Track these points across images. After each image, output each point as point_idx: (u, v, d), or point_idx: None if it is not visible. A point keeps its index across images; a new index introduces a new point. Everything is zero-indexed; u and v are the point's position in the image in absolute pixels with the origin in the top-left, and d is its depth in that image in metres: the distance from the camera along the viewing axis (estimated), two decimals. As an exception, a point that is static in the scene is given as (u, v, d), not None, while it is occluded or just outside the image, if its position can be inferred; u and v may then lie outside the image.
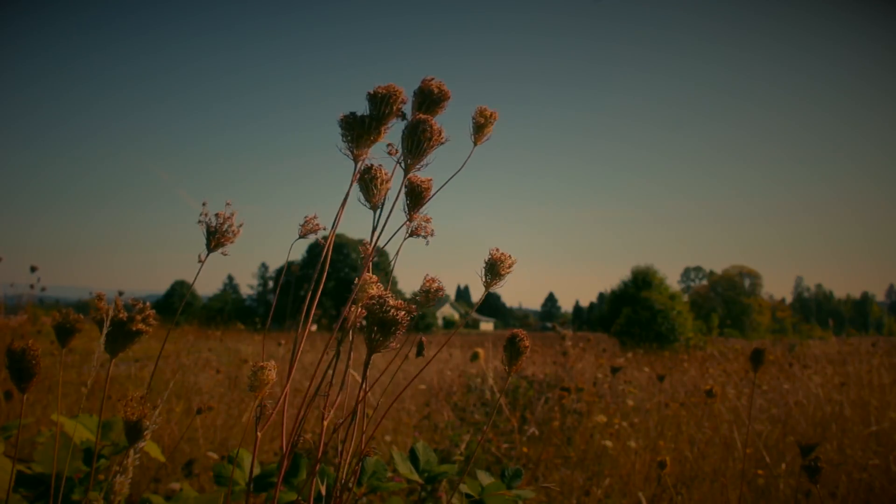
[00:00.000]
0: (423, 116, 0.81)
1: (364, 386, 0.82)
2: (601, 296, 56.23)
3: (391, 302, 0.74)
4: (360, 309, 0.84)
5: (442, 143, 0.81)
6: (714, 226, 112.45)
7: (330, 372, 0.84)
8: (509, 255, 0.83)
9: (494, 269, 0.83)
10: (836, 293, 69.90)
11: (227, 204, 0.79)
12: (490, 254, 0.83)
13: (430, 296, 0.83)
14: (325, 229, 0.84)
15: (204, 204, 0.78)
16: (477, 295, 0.89)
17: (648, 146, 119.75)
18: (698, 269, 58.30)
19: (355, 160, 0.82)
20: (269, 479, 1.16)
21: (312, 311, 0.81)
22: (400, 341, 0.75)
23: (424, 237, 0.87)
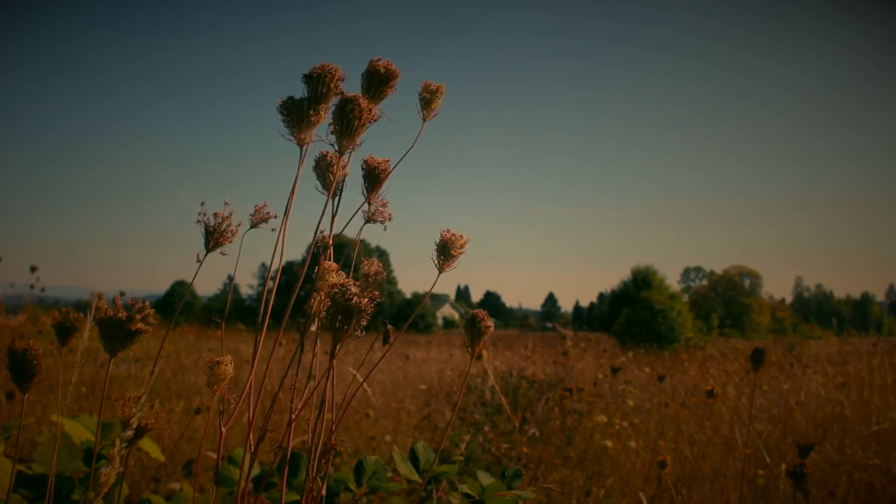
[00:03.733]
0: (350, 95, 0.79)
1: (332, 378, 0.81)
2: (601, 296, 56.26)
3: (353, 289, 0.72)
4: (322, 297, 0.81)
5: (374, 121, 0.79)
6: (714, 226, 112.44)
7: (300, 366, 0.83)
8: (461, 235, 0.81)
9: (446, 251, 0.81)
10: (836, 293, 69.91)
11: (226, 203, 0.79)
12: (441, 235, 0.81)
13: (370, 280, 0.80)
14: (276, 217, 0.83)
15: (202, 203, 0.78)
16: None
17: (648, 146, 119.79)
18: (698, 269, 58.29)
19: (300, 144, 0.80)
20: (269, 480, 1.15)
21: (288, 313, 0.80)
22: (360, 331, 0.73)
23: (381, 222, 0.85)
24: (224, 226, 0.79)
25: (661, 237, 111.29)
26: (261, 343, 0.78)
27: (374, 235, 0.88)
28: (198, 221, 0.78)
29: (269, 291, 0.79)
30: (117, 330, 0.72)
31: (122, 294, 0.80)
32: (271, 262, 0.79)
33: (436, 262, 0.81)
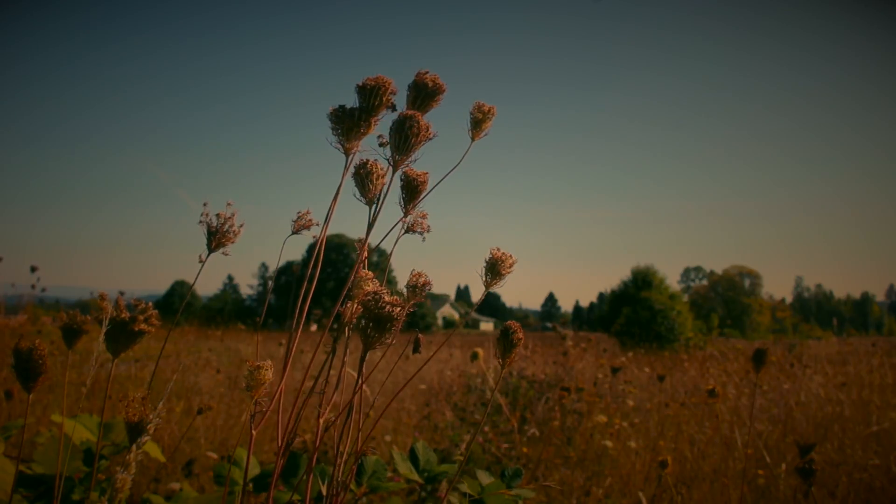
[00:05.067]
0: (409, 112, 0.79)
1: (360, 383, 0.82)
2: (601, 296, 56.24)
3: (387, 298, 0.73)
4: (355, 305, 0.82)
5: (430, 139, 0.80)
6: (714, 226, 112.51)
7: (331, 370, 0.84)
8: (510, 255, 0.82)
9: (495, 269, 0.82)
10: (836, 293, 69.90)
11: (228, 204, 0.79)
12: (491, 253, 0.82)
13: (417, 290, 0.81)
14: (318, 224, 0.83)
15: (205, 204, 0.78)
16: (477, 295, 0.88)
17: (648, 146, 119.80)
18: (698, 269, 58.26)
19: (346, 153, 0.81)
20: (269, 479, 1.16)
21: (305, 311, 0.81)
22: (397, 338, 0.74)
23: (420, 233, 0.86)
24: (226, 227, 0.79)
25: (661, 237, 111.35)
26: (294, 346, 0.79)
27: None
28: (200, 222, 0.78)
29: (304, 296, 0.80)
30: (120, 331, 0.73)
31: (121, 294, 0.80)
32: (310, 267, 0.80)
33: (484, 279, 0.82)
